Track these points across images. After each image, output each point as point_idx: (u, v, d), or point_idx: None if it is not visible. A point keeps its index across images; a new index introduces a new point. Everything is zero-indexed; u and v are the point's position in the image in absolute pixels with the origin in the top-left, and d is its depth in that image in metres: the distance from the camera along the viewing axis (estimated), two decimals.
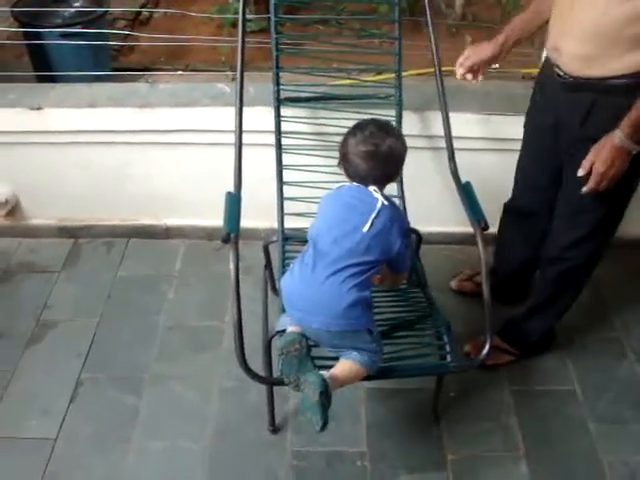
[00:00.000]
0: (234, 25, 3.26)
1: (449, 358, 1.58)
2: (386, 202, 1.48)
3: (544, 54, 1.74)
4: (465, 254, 2.42)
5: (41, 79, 2.66)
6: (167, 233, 2.48)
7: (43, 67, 2.73)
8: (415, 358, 1.63)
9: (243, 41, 1.80)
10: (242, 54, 1.81)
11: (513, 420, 1.90)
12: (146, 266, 2.39)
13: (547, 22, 1.63)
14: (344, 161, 1.52)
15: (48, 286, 2.31)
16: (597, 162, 1.50)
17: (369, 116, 1.61)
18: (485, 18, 3.72)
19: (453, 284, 2.30)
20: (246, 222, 2.35)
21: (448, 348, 1.59)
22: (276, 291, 2.01)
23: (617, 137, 1.47)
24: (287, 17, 2.11)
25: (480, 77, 1.79)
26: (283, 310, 1.61)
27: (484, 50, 1.74)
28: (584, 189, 1.54)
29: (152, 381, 2.00)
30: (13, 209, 2.40)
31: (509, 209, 2.03)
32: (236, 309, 1.52)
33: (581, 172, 1.53)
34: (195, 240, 2.47)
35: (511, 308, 2.19)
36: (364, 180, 1.51)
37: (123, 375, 2.02)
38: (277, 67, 1.88)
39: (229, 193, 1.71)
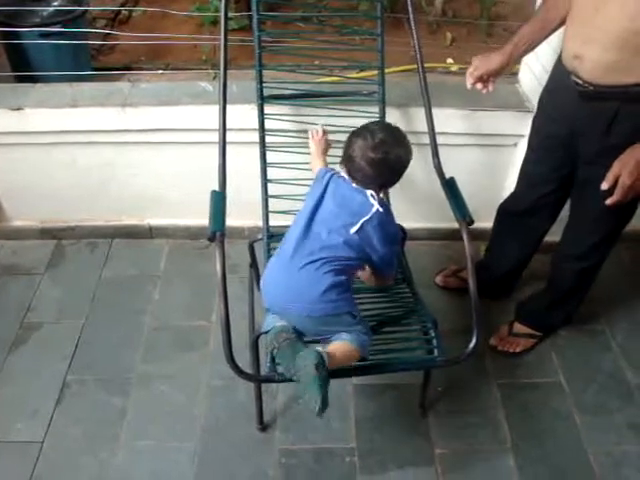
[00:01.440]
0: (214, 23, 3.25)
1: (436, 352, 1.60)
2: (381, 209, 1.50)
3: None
4: (450, 249, 2.44)
5: (20, 79, 2.62)
6: (151, 233, 2.46)
7: (22, 67, 2.70)
8: (402, 352, 1.64)
9: (226, 39, 1.80)
10: (225, 52, 1.80)
11: (500, 413, 1.92)
12: (130, 266, 2.38)
13: (554, 31, 1.65)
14: (348, 161, 1.51)
15: (32, 288, 2.29)
16: (623, 175, 1.45)
17: (351, 112, 1.62)
18: (465, 14, 3.74)
19: (438, 280, 2.31)
20: (230, 221, 2.33)
21: (435, 343, 1.61)
22: None
23: None
24: (269, 14, 2.10)
25: (490, 87, 1.79)
26: (268, 310, 1.60)
27: (492, 60, 1.74)
28: (608, 201, 1.49)
29: (139, 382, 1.99)
30: None
31: (508, 209, 2.04)
32: (223, 307, 1.52)
33: (605, 185, 1.48)
34: (179, 240, 2.46)
35: (497, 302, 2.23)
36: (364, 184, 1.52)
37: (109, 376, 2.00)
38: (260, 65, 1.88)
39: (214, 191, 1.71)
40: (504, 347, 2.08)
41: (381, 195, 1.55)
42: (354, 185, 1.52)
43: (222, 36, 1.79)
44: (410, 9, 1.86)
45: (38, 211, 2.40)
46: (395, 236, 1.62)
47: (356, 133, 1.52)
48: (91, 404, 1.93)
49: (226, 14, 1.79)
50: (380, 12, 1.89)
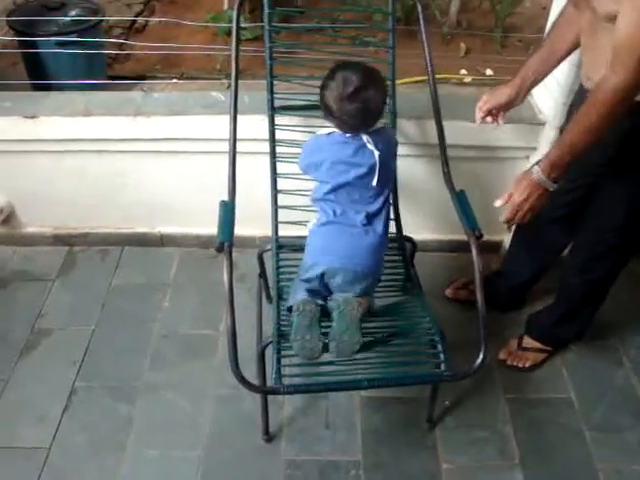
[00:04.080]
0: (229, 33, 3.27)
1: (443, 367, 1.58)
2: (377, 152, 1.59)
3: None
4: (461, 261, 2.42)
5: (36, 87, 2.66)
6: (161, 241, 2.47)
7: (38, 75, 2.73)
8: (409, 366, 1.63)
9: (237, 50, 1.80)
10: (236, 63, 1.80)
11: (508, 429, 1.90)
12: (141, 274, 2.39)
13: (562, 60, 1.66)
14: (330, 116, 1.58)
15: (43, 294, 2.31)
16: (515, 193, 1.54)
17: None
18: (480, 25, 3.74)
19: (448, 292, 2.30)
20: (241, 230, 2.34)
21: (442, 357, 1.59)
22: (270, 300, 2.00)
23: (535, 172, 1.51)
24: (281, 26, 2.11)
25: (501, 121, 1.80)
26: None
27: (501, 94, 1.75)
28: (501, 218, 1.61)
29: (146, 389, 1.99)
30: (8, 217, 2.39)
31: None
32: (230, 318, 1.51)
33: (498, 203, 1.58)
34: (189, 248, 2.47)
35: (508, 315, 2.21)
36: (356, 130, 1.59)
37: (117, 383, 2.01)
38: (271, 76, 1.88)
39: (223, 202, 1.71)
40: (513, 361, 2.06)
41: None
42: (347, 135, 1.60)
43: (234, 47, 1.80)
44: (421, 22, 1.85)
45: (51, 218, 2.42)
46: (396, 145, 1.77)
47: (326, 85, 1.58)
48: (98, 411, 1.94)
49: (238, 25, 1.80)
50: (392, 24, 1.89)
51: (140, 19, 3.67)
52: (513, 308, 2.24)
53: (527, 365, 2.05)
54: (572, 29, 1.57)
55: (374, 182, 1.61)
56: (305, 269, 1.66)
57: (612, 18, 1.33)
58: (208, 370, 2.04)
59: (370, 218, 1.62)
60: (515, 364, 2.06)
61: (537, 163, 1.53)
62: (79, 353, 2.10)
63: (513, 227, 2.24)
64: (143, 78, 3.26)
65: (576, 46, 1.61)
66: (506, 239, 2.41)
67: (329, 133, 1.64)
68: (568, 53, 1.64)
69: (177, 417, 1.92)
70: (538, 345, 2.06)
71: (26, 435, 1.87)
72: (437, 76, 1.92)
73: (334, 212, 1.63)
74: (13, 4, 3.27)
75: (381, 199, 1.64)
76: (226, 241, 1.57)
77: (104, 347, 2.12)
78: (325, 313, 1.60)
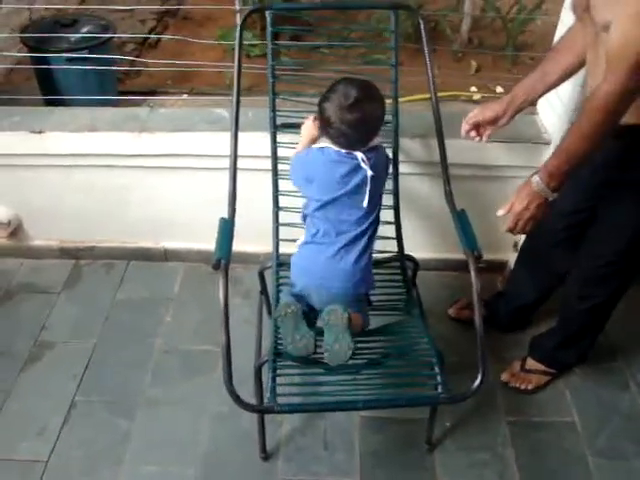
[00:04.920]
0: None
1: (440, 389, 1.56)
2: (371, 172, 1.57)
3: None
4: (464, 281, 2.34)
5: (48, 102, 2.70)
6: (165, 256, 2.48)
7: (50, 90, 2.77)
8: (406, 387, 1.62)
9: (239, 67, 1.81)
10: (238, 80, 1.81)
11: (509, 452, 1.87)
12: (144, 289, 2.40)
13: (555, 84, 1.65)
14: (327, 127, 1.57)
15: (47, 307, 2.32)
16: (516, 202, 1.54)
17: None
18: (491, 42, 3.73)
19: (451, 312, 2.27)
20: (245, 246, 2.39)
21: (439, 379, 1.57)
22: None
23: (534, 181, 1.50)
24: (283, 43, 2.12)
25: (484, 138, 1.78)
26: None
27: (488, 109, 1.74)
28: (503, 227, 1.59)
29: (145, 405, 1.99)
30: (16, 230, 2.42)
31: (532, 240, 2.01)
32: (225, 336, 1.51)
33: (501, 212, 1.57)
34: (193, 263, 2.47)
35: (512, 336, 2.19)
36: (352, 146, 1.58)
37: (117, 398, 2.01)
38: (273, 93, 1.89)
39: (223, 219, 1.71)
40: (516, 383, 2.03)
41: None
42: (343, 152, 1.59)
43: (236, 64, 1.80)
44: (424, 39, 1.84)
45: (58, 231, 2.44)
46: (388, 163, 1.76)
47: (326, 97, 1.57)
48: (97, 426, 1.94)
49: (240, 43, 1.80)
50: (395, 42, 1.89)
51: (149, 36, 3.71)
52: (516, 329, 2.21)
53: (530, 387, 2.02)
54: (568, 55, 1.57)
55: (364, 203, 1.59)
56: (292, 284, 1.70)
57: (608, 28, 1.32)
58: (208, 386, 2.03)
59: (350, 244, 1.61)
60: (517, 386, 2.03)
61: (536, 172, 1.52)
62: (80, 367, 2.10)
63: (518, 246, 2.22)
64: (154, 93, 3.29)
65: (569, 73, 1.61)
66: (511, 259, 2.39)
67: (322, 148, 1.63)
68: (560, 78, 1.63)
69: (175, 433, 1.92)
70: (541, 367, 2.03)
71: (25, 448, 1.88)
72: (446, 93, 1.92)
73: (317, 231, 1.63)
74: (29, 19, 3.33)
75: (369, 220, 1.63)
76: (223, 258, 1.57)
77: (105, 361, 2.13)
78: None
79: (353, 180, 1.59)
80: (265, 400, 1.55)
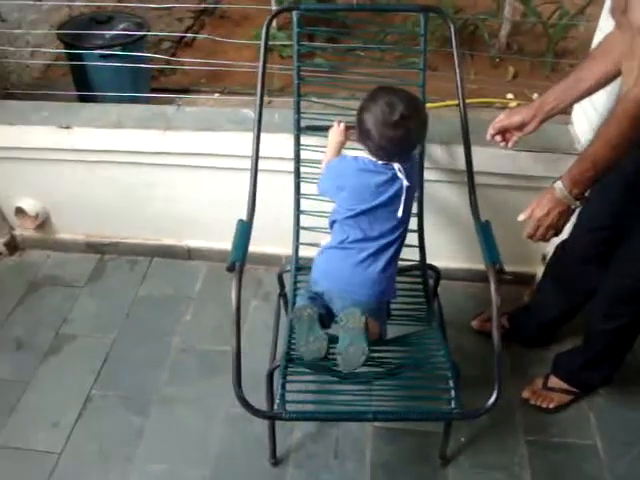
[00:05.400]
0: (272, 50, 3.29)
1: (453, 404, 1.52)
2: (407, 182, 1.54)
3: None
4: (489, 293, 2.33)
5: (81, 98, 2.73)
6: (189, 254, 2.49)
7: (84, 86, 2.80)
8: (419, 400, 1.58)
9: (264, 68, 1.80)
10: (262, 82, 1.80)
11: (526, 473, 1.81)
12: (166, 286, 2.41)
13: (588, 92, 1.58)
14: (366, 138, 1.51)
15: (71, 300, 2.35)
16: (537, 208, 1.50)
17: None
18: (531, 49, 3.64)
19: (474, 323, 2.21)
20: (268, 248, 2.38)
21: (453, 394, 1.52)
22: None
23: (557, 188, 1.45)
24: (308, 44, 2.09)
25: (510, 144, 1.72)
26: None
27: (515, 114, 1.67)
28: (523, 234, 1.55)
29: (160, 403, 2.00)
30: (43, 223, 2.46)
31: (560, 254, 1.94)
32: (235, 340, 1.50)
33: (522, 217, 1.53)
34: (216, 262, 2.47)
35: (535, 351, 2.12)
36: (390, 159, 1.53)
37: (132, 395, 2.02)
38: (298, 95, 1.86)
39: (240, 221, 1.70)
40: (537, 401, 1.96)
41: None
42: (379, 163, 1.54)
43: (260, 65, 1.79)
44: (454, 43, 1.79)
45: (84, 225, 2.47)
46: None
47: (367, 108, 1.50)
48: (111, 421, 1.95)
49: (266, 43, 1.78)
50: (423, 46, 1.84)
51: (180, 34, 3.72)
52: (541, 344, 2.15)
53: (551, 406, 1.95)
54: (604, 62, 1.50)
55: (399, 213, 1.56)
56: (311, 284, 1.67)
57: None
58: (223, 388, 2.00)
59: (379, 251, 1.58)
60: (539, 404, 1.96)
61: (559, 179, 1.47)
62: (98, 361, 2.12)
63: (547, 259, 2.16)
64: (187, 91, 3.30)
65: (603, 82, 1.54)
66: (539, 272, 2.32)
67: (356, 157, 1.59)
68: (594, 86, 1.55)
69: (188, 433, 1.92)
70: (564, 386, 1.96)
71: (39, 439, 1.90)
72: (479, 100, 1.86)
73: (346, 237, 1.59)
74: (68, 16, 3.38)
75: (401, 229, 1.60)
76: (237, 261, 1.56)
77: (123, 357, 2.14)
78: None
79: (389, 191, 1.55)
80: (274, 407, 1.52)
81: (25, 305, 2.34)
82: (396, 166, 1.53)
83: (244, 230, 1.67)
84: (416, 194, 1.87)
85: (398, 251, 1.62)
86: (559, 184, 1.45)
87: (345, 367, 1.49)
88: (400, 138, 1.48)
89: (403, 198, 1.55)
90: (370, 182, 1.55)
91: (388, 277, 1.60)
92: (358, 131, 1.54)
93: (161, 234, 2.45)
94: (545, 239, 1.54)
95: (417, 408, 1.54)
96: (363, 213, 1.58)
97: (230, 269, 1.55)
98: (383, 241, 1.58)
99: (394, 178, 1.55)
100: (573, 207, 1.46)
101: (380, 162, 1.55)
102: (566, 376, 1.96)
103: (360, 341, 1.46)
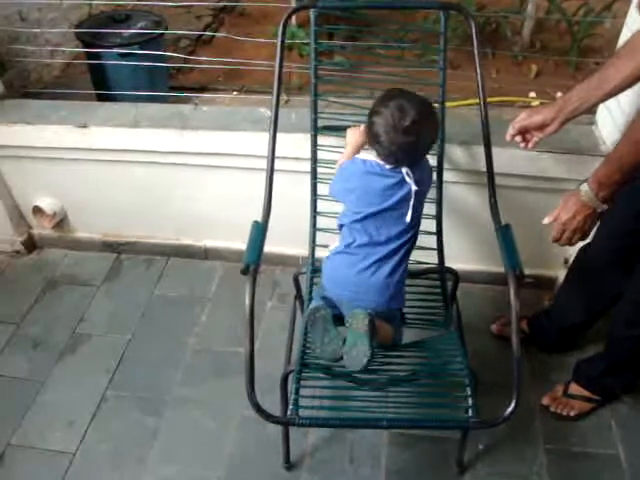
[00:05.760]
0: (291, 48, 3.27)
1: (470, 412, 1.48)
2: (415, 187, 1.50)
3: None
4: (509, 297, 2.29)
5: (99, 96, 2.73)
6: (206, 254, 2.48)
7: (102, 85, 2.81)
8: (436, 408, 1.54)
9: (280, 67, 1.77)
10: (279, 81, 1.77)
11: None
12: (182, 286, 2.40)
13: (612, 93, 1.51)
14: (375, 142, 1.48)
15: (87, 299, 2.36)
16: (562, 211, 1.47)
17: None
18: (555, 46, 3.57)
19: (494, 328, 2.17)
20: (285, 249, 2.36)
21: (470, 402, 1.49)
22: None
23: (583, 191, 1.41)
24: (326, 42, 2.07)
25: (530, 144, 1.66)
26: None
27: (537, 114, 1.61)
28: (549, 237, 1.52)
29: (174, 404, 1.99)
30: (61, 221, 2.46)
31: (583, 259, 1.89)
32: (248, 345, 1.48)
33: (547, 220, 1.51)
34: (233, 263, 2.45)
35: (556, 357, 2.08)
36: (399, 163, 1.50)
37: (147, 395, 2.02)
38: (315, 95, 1.84)
39: (255, 222, 1.67)
40: (557, 409, 1.92)
41: None
42: (387, 167, 1.51)
43: (277, 63, 1.76)
44: (475, 41, 1.75)
45: (101, 224, 2.47)
46: (431, 171, 1.66)
47: (378, 111, 1.47)
48: (125, 421, 1.94)
49: (283, 42, 1.76)
50: (443, 45, 1.81)
51: (198, 32, 3.71)
52: (562, 350, 2.10)
53: (572, 414, 1.91)
54: (631, 61, 1.43)
55: (408, 218, 1.53)
56: (322, 287, 1.66)
57: None
58: (237, 389, 1.94)
59: (386, 257, 1.55)
60: (559, 411, 1.92)
61: (585, 181, 1.43)
62: (114, 361, 2.12)
63: (569, 262, 2.11)
64: (205, 90, 3.29)
65: (629, 81, 1.46)
66: (561, 275, 2.26)
67: (365, 160, 1.56)
68: (620, 86, 1.48)
69: (201, 435, 1.91)
70: (586, 393, 1.91)
71: (54, 438, 1.91)
72: (501, 98, 1.82)
73: (353, 241, 1.57)
74: (88, 14, 3.39)
75: (410, 234, 1.57)
76: (252, 264, 1.53)
77: (138, 357, 2.14)
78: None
79: (396, 195, 1.52)
80: (288, 412, 1.50)
81: (42, 304, 2.35)
82: (404, 170, 1.50)
83: (259, 232, 1.64)
84: (432, 196, 1.84)
85: (406, 256, 1.59)
86: (585, 187, 1.41)
87: (349, 366, 1.48)
88: (410, 144, 1.45)
89: (411, 203, 1.52)
90: (377, 185, 1.53)
91: (396, 283, 1.57)
92: (368, 134, 1.52)
93: (179, 234, 2.44)
94: (571, 243, 1.50)
95: (433, 416, 1.50)
96: (370, 217, 1.55)
97: (244, 272, 1.53)
98: (391, 246, 1.55)
99: (402, 182, 1.52)
100: (600, 210, 1.42)
101: (388, 166, 1.52)
102: (587, 383, 1.91)
103: (363, 342, 1.44)
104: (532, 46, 3.58)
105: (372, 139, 1.50)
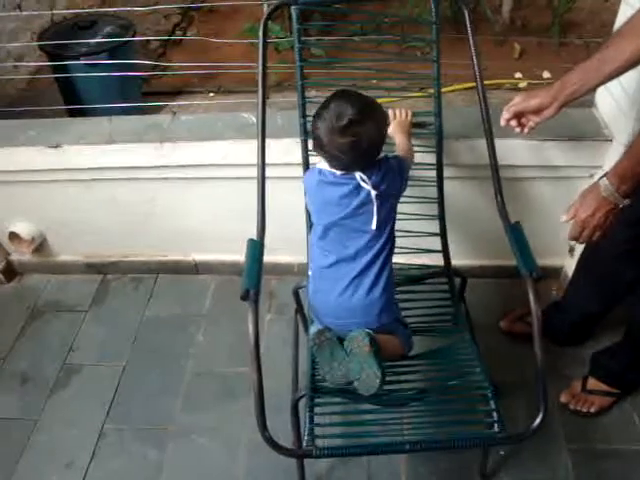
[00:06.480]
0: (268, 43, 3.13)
1: (496, 427, 1.39)
2: (375, 191, 1.40)
3: None
4: (518, 289, 2.19)
5: (70, 110, 2.59)
6: (196, 269, 2.36)
7: (71, 97, 2.66)
8: (458, 426, 1.46)
9: (264, 71, 1.64)
10: (263, 86, 1.64)
11: None
12: (174, 305, 2.28)
13: (613, 75, 1.39)
14: (319, 147, 1.39)
15: (75, 326, 2.23)
16: (580, 208, 1.38)
17: None
18: (536, 23, 3.47)
19: (503, 324, 2.09)
20: (279, 257, 2.26)
21: (495, 416, 1.40)
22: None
23: (603, 186, 1.33)
24: (312, 39, 1.95)
25: (526, 130, 1.55)
26: (312, 321, 1.58)
27: (533, 97, 1.50)
28: (568, 236, 1.45)
29: (177, 433, 1.88)
30: (41, 246, 2.34)
31: (595, 249, 1.78)
32: (257, 376, 1.37)
33: (564, 218, 1.43)
34: (226, 276, 2.35)
35: (571, 350, 2.01)
36: (348, 169, 1.40)
37: (147, 426, 1.91)
38: (303, 97, 1.72)
39: (251, 240, 1.56)
40: (577, 406, 1.84)
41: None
42: (338, 173, 1.41)
43: (260, 67, 1.64)
44: (469, 30, 1.64)
45: (83, 246, 2.35)
46: (400, 169, 1.48)
47: (319, 114, 1.38)
48: (127, 457, 1.84)
49: (264, 43, 1.64)
50: (436, 36, 1.70)
51: (168, 38, 3.56)
52: (576, 343, 2.02)
53: (593, 410, 1.83)
54: (635, 40, 1.33)
55: (373, 225, 1.42)
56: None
57: None
58: (244, 413, 1.90)
59: (362, 272, 1.44)
60: (579, 409, 1.84)
61: (605, 175, 1.34)
62: (109, 393, 2.00)
63: (576, 252, 2.03)
64: (180, 93, 3.16)
65: (632, 63, 1.34)
66: (567, 264, 2.19)
67: (321, 169, 1.46)
68: (622, 68, 1.36)
69: (209, 466, 1.81)
70: (605, 387, 1.84)
71: None
72: (489, 82, 1.71)
73: (324, 264, 1.48)
74: (51, 21, 3.23)
75: (382, 240, 1.45)
76: (252, 288, 1.42)
77: (135, 386, 2.03)
78: None
79: (354, 201, 1.41)
80: (303, 443, 1.41)
81: (28, 335, 2.22)
82: (357, 175, 1.40)
83: (255, 251, 1.53)
84: (433, 196, 1.75)
85: (385, 266, 1.47)
86: (604, 181, 1.32)
87: (364, 392, 1.39)
88: (351, 145, 1.34)
89: (374, 208, 1.41)
90: (333, 195, 1.43)
91: (379, 297, 1.45)
92: (312, 139, 1.42)
93: (166, 249, 2.33)
94: (591, 241, 1.41)
95: (457, 434, 1.41)
96: (330, 230, 1.46)
97: (244, 297, 1.42)
98: (363, 259, 1.44)
99: (358, 188, 1.41)
100: (621, 205, 1.33)
101: (339, 172, 1.42)
102: (606, 376, 1.84)
103: (370, 365, 1.36)
104: (512, 24, 3.49)
105: (316, 145, 1.40)
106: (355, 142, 1.34)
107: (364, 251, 1.45)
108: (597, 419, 1.84)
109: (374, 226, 1.42)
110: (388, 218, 1.47)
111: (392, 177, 1.45)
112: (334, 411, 1.49)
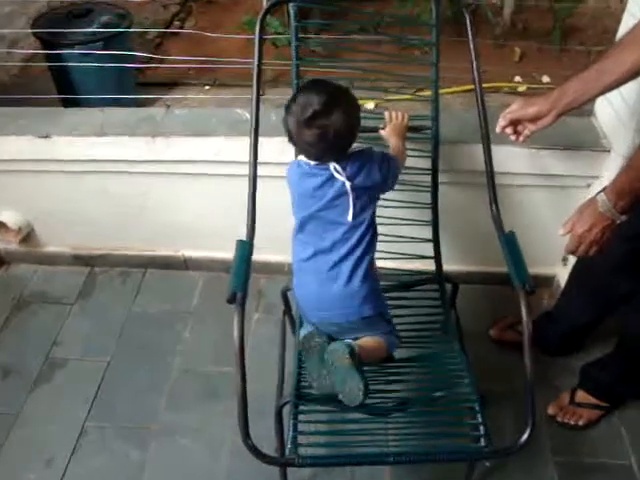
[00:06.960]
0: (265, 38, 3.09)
1: (482, 442, 1.37)
2: (349, 182, 1.38)
3: None
4: (507, 295, 2.18)
5: (63, 99, 2.54)
6: (186, 265, 2.33)
7: (65, 85, 2.61)
8: (444, 439, 1.44)
9: (259, 68, 1.61)
10: (258, 84, 1.61)
11: None
12: (162, 300, 2.25)
13: (613, 86, 1.38)
14: (290, 139, 1.39)
15: (60, 319, 2.20)
16: (577, 223, 1.37)
17: None
18: (537, 27, 3.44)
19: (493, 332, 2.07)
20: (269, 256, 2.22)
21: (482, 430, 1.38)
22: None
23: (600, 201, 1.31)
24: (310, 37, 1.91)
25: (521, 138, 1.53)
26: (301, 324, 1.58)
27: (530, 105, 1.47)
28: (564, 250, 1.44)
29: (160, 433, 1.86)
30: (28, 235, 2.30)
31: (589, 261, 1.77)
32: (240, 383, 1.34)
33: (561, 232, 1.41)
34: (215, 272, 2.32)
35: (560, 360, 1.99)
36: (321, 159, 1.40)
37: (130, 425, 1.88)
38: None
39: (240, 242, 1.53)
40: (564, 418, 1.83)
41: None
42: (313, 163, 1.41)
43: (255, 64, 1.60)
44: (470, 35, 1.61)
45: (71, 237, 2.31)
46: (382, 160, 1.45)
47: (288, 107, 1.37)
48: (108, 456, 1.81)
49: (261, 39, 1.60)
50: (435, 37, 1.67)
51: (163, 31, 3.51)
52: (567, 353, 2.01)
53: (581, 423, 1.82)
54: (636, 51, 1.31)
55: (349, 217, 1.40)
56: None
57: None
58: (227, 413, 1.85)
59: (338, 263, 1.43)
60: (567, 421, 1.83)
61: (603, 190, 1.32)
62: (92, 389, 1.97)
63: (569, 262, 2.01)
64: (175, 84, 3.11)
65: (633, 74, 1.33)
66: (559, 274, 2.17)
67: (300, 162, 1.46)
68: (621, 79, 1.35)
69: (191, 466, 1.78)
70: (593, 400, 1.82)
71: (31, 479, 1.76)
72: (487, 85, 1.68)
73: (303, 257, 1.47)
74: (46, 6, 3.17)
75: (359, 233, 1.43)
76: (239, 291, 1.39)
77: (119, 382, 2.00)
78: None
79: (329, 193, 1.40)
80: (286, 451, 1.38)
81: (12, 326, 2.18)
82: (331, 166, 1.38)
83: (244, 253, 1.50)
84: (426, 201, 1.72)
85: (364, 257, 1.44)
86: (602, 197, 1.30)
87: (350, 403, 1.36)
88: (318, 136, 1.33)
89: (350, 200, 1.39)
90: (309, 186, 1.43)
91: (359, 288, 1.43)
92: (285, 132, 1.40)
93: (155, 244, 2.29)
94: (588, 255, 1.39)
95: (443, 447, 1.39)
96: (307, 222, 1.46)
97: (230, 301, 1.39)
98: (341, 251, 1.42)
99: (331, 179, 1.40)
100: (618, 222, 1.31)
101: (313, 163, 1.41)
102: (596, 390, 1.82)
103: (352, 377, 1.33)
104: (514, 27, 3.45)
105: (288, 137, 1.40)
106: (321, 134, 1.33)
107: (340, 243, 1.43)
108: (585, 432, 1.83)
109: (350, 218, 1.41)
110: (366, 210, 1.44)
111: (370, 168, 1.43)
112: (319, 419, 1.47)
